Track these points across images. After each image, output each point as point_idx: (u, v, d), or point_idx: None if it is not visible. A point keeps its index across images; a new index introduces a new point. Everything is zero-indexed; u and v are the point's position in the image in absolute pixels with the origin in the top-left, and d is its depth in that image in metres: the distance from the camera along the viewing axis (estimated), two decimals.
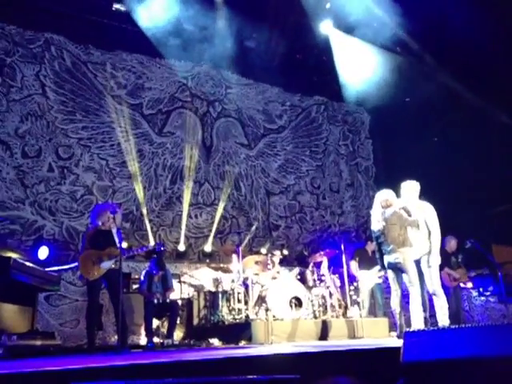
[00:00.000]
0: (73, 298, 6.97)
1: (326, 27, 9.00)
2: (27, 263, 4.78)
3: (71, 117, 7.96)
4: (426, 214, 5.09)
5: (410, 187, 5.23)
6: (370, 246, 7.09)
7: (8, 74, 7.56)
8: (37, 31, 7.96)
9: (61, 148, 7.74)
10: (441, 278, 6.85)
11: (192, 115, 9.14)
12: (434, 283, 4.97)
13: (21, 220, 7.10)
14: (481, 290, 8.12)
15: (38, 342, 4.84)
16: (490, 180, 8.01)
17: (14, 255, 4.70)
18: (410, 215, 4.94)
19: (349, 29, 8.87)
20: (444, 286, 7.00)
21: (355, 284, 6.94)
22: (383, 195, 5.06)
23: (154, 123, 8.72)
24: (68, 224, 7.45)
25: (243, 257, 6.75)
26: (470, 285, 7.65)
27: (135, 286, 6.84)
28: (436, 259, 4.98)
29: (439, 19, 7.83)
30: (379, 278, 7.05)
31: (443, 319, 4.88)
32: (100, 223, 5.06)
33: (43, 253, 6.13)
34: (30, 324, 5.19)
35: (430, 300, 5.16)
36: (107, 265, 4.86)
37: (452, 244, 7.23)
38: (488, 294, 8.09)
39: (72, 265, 6.35)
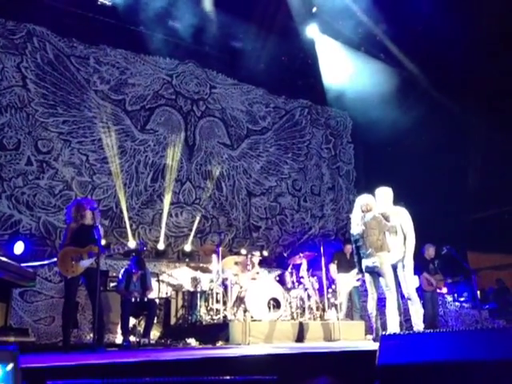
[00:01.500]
0: (48, 295, 6.84)
1: (311, 31, 9.07)
2: (2, 258, 4.68)
3: (52, 110, 7.83)
4: (402, 219, 5.17)
5: (384, 193, 5.30)
6: (349, 249, 7.17)
7: None
8: (19, 22, 7.80)
9: (40, 141, 7.60)
10: (419, 282, 7.00)
11: (175, 113, 9.10)
12: (408, 287, 5.04)
13: None
14: (455, 295, 8.30)
15: (12, 339, 4.74)
16: (466, 189, 8.20)
17: None
18: (388, 221, 5.01)
19: (334, 33, 8.96)
20: (421, 290, 7.16)
21: (333, 287, 7.00)
22: (364, 199, 5.13)
23: (136, 120, 8.64)
24: (45, 219, 7.32)
25: (223, 257, 6.74)
26: (444, 290, 7.81)
27: (113, 284, 6.77)
28: (410, 263, 5.06)
29: (424, 28, 7.98)
30: (357, 281, 7.13)
31: (418, 323, 4.96)
32: (79, 217, 4.97)
33: (19, 248, 6.01)
34: (3, 320, 5.07)
35: (405, 304, 5.24)
36: (86, 263, 4.79)
37: (430, 251, 7.40)
38: (462, 299, 8.27)
39: (49, 261, 6.25)
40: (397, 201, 5.36)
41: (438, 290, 7.50)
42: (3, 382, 0.71)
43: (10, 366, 0.70)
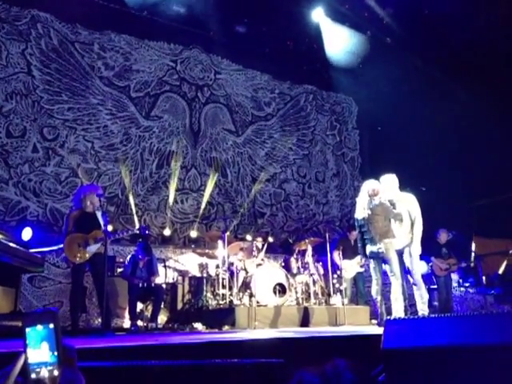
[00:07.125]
0: (56, 280, 6.94)
1: (317, 15, 8.96)
2: (11, 244, 4.73)
3: (57, 97, 7.82)
4: (409, 205, 5.17)
5: (390, 180, 5.28)
6: (354, 236, 7.18)
7: None
8: (23, 8, 7.76)
9: (46, 129, 7.62)
10: (431, 267, 7.06)
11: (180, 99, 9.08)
12: (414, 273, 5.06)
13: (4, 200, 7.01)
14: (460, 280, 8.31)
15: (21, 323, 4.81)
16: (472, 174, 8.16)
17: None
18: (395, 208, 5.01)
19: (340, 17, 8.85)
20: (434, 276, 7.21)
21: (338, 272, 7.04)
22: (371, 184, 5.11)
23: (141, 106, 8.63)
24: (52, 206, 7.38)
25: (229, 243, 6.78)
26: (453, 276, 7.83)
27: (120, 270, 6.84)
28: (417, 249, 5.07)
29: (431, 11, 7.87)
30: (361, 267, 7.16)
31: (423, 308, 4.99)
32: (87, 204, 5.01)
33: (26, 234, 6.05)
34: (12, 305, 5.14)
35: (410, 289, 5.27)
36: (93, 248, 4.84)
37: (443, 236, 7.43)
38: (467, 285, 8.29)
39: (56, 247, 6.31)
40: (402, 187, 5.36)
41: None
42: (48, 339, 0.82)
43: (52, 325, 0.81)
